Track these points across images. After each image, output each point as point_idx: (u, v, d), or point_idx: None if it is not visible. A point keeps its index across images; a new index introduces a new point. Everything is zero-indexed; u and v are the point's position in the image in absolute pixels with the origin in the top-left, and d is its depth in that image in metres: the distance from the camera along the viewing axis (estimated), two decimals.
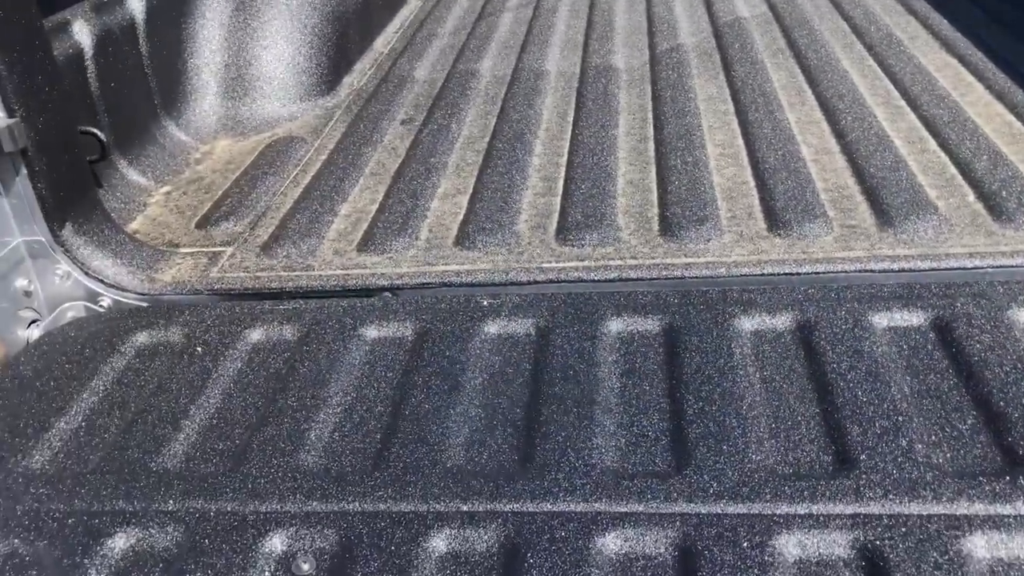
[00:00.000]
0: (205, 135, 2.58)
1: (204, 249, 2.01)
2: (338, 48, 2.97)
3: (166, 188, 2.32)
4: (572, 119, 2.48)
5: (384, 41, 3.36)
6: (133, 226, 2.14)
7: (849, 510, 1.17)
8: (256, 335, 1.68)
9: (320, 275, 1.85)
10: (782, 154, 2.11)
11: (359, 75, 3.03)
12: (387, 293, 1.79)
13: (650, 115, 2.45)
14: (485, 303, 1.66)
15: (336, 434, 1.42)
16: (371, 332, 1.65)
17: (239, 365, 1.61)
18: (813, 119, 2.32)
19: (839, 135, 2.20)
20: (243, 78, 2.70)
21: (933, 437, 1.29)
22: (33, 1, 1.75)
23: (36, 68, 1.74)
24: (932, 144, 2.11)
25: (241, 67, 2.71)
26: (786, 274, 1.70)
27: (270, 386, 1.54)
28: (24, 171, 1.74)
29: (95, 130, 2.07)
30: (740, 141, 2.24)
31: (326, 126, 2.61)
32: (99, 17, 2.26)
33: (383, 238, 1.95)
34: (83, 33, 2.18)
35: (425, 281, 1.79)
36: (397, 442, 1.37)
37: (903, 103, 2.35)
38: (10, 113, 1.69)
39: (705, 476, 1.25)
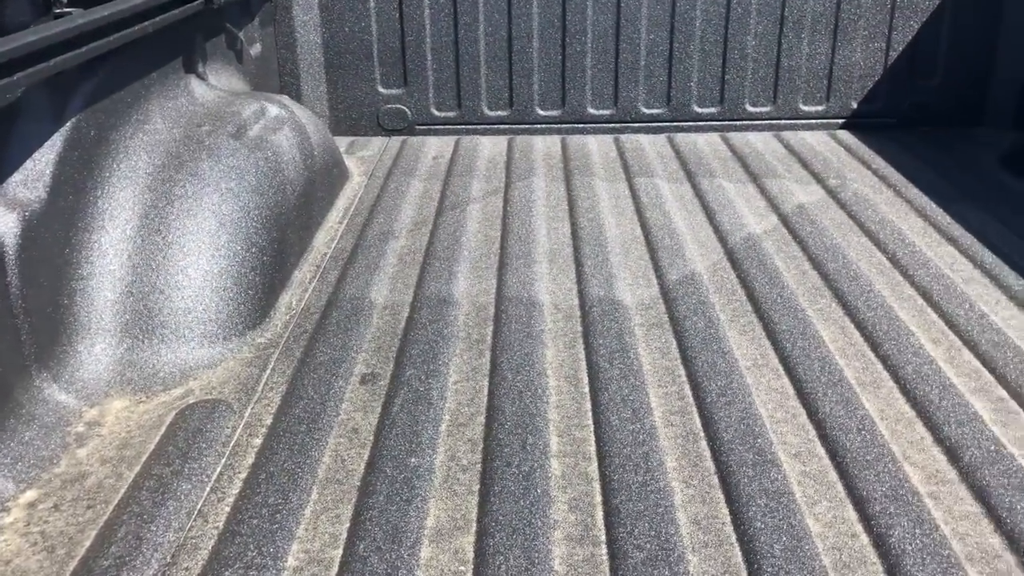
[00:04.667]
0: (94, 393, 1.92)
1: None
2: (275, 260, 2.36)
3: (31, 494, 1.63)
4: (588, 388, 1.93)
5: (326, 237, 2.78)
6: None
7: None
8: None
9: None
10: (889, 485, 1.59)
11: (299, 290, 2.42)
12: None
13: (688, 389, 1.92)
14: None
15: None
16: None
17: None
18: (902, 414, 1.83)
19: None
20: (148, 310, 2.06)
21: None
22: None
23: None
24: None
25: (147, 295, 2.07)
26: None
27: None
28: None
29: None
30: (821, 449, 1.72)
31: (259, 381, 1.98)
32: None
33: None
34: None
35: None
36: None
37: None
38: None
39: None
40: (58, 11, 1.95)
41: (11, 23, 1.85)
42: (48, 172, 1.92)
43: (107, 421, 1.85)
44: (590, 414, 1.84)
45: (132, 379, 1.97)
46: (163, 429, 1.81)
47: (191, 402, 1.91)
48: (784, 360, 2.02)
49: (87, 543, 1.51)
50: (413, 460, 1.69)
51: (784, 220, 2.82)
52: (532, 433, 1.76)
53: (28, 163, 1.89)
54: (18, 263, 1.79)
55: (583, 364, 2.02)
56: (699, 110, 3.81)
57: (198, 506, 1.59)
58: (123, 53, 2.22)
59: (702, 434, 1.76)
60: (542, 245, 2.67)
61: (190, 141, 2.37)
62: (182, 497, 1.61)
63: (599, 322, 2.19)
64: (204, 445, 1.75)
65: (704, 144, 3.65)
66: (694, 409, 1.85)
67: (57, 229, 1.93)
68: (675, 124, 3.82)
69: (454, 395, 1.91)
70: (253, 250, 2.26)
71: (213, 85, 2.84)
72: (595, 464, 1.68)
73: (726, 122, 3.82)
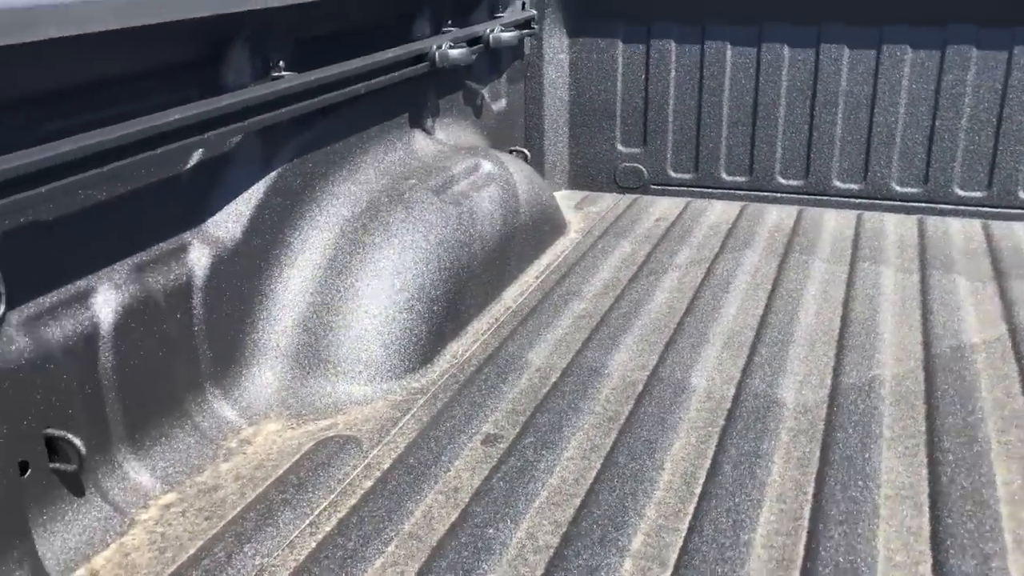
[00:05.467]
0: (255, 414, 2.15)
1: None
2: (448, 311, 2.49)
3: (170, 497, 1.87)
4: (700, 489, 1.83)
5: (517, 291, 2.87)
6: (97, 563, 1.69)
7: None
8: None
9: None
10: None
11: (469, 340, 2.53)
12: None
13: (807, 510, 1.76)
14: None
15: None
16: None
17: None
18: None
19: None
20: (318, 345, 2.27)
21: None
22: None
23: None
24: None
25: (319, 330, 2.28)
26: None
27: None
28: None
29: (68, 435, 1.66)
30: None
31: (396, 425, 2.11)
32: (139, 280, 1.89)
33: None
34: (105, 307, 1.81)
35: None
36: None
37: None
38: None
39: None
40: (275, 74, 2.22)
41: (234, 84, 2.14)
42: (247, 214, 2.19)
43: (256, 441, 2.07)
44: (688, 518, 1.75)
45: (290, 405, 2.18)
46: (296, 457, 1.99)
47: (330, 435, 2.07)
48: (935, 495, 1.78)
49: (191, 551, 1.70)
50: (491, 531, 1.71)
51: (1013, 331, 2.47)
52: (618, 528, 1.71)
53: (230, 205, 2.16)
54: (205, 291, 2.06)
55: (707, 462, 1.93)
56: (961, 193, 3.45)
57: (291, 537, 1.74)
58: (340, 109, 2.47)
59: (799, 564, 1.61)
60: (722, 325, 2.56)
61: (391, 193, 2.57)
62: (281, 525, 1.76)
63: (745, 419, 2.07)
64: (321, 479, 1.90)
65: (958, 231, 3.29)
66: (804, 533, 1.69)
67: (248, 265, 2.19)
68: (931, 206, 3.49)
69: (561, 471, 1.91)
70: (425, 300, 2.41)
71: (439, 139, 3.06)
72: (668, 574, 1.60)
73: (992, 209, 3.41)
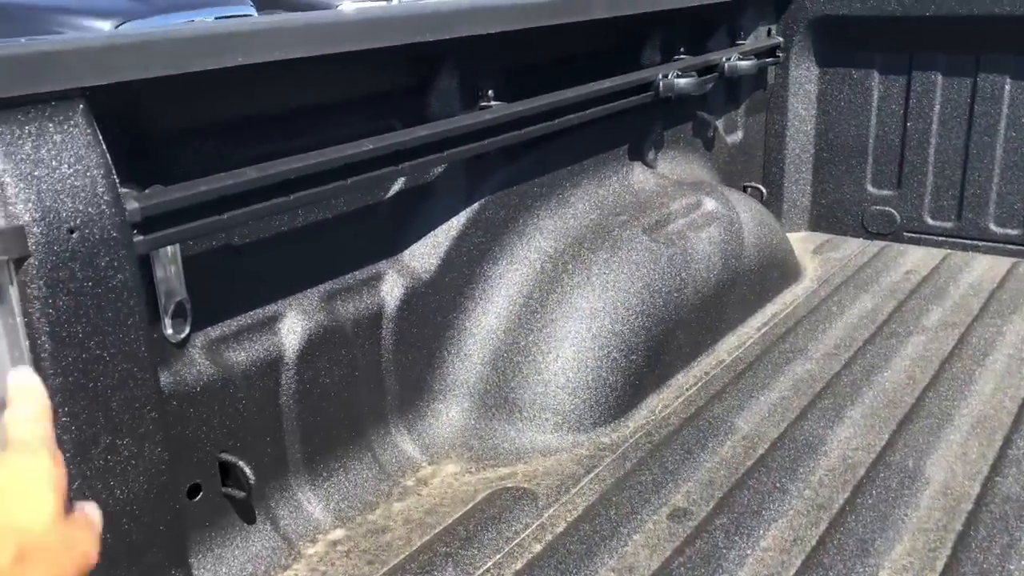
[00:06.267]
0: (436, 453, 2.07)
1: None
2: (650, 361, 2.30)
3: (338, 533, 1.83)
4: None
5: (735, 343, 2.62)
6: None
7: None
8: None
9: None
10: None
11: (671, 394, 2.32)
12: None
13: None
14: None
15: None
16: None
17: None
18: None
19: None
20: (506, 387, 2.16)
21: None
22: None
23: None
24: None
25: (508, 372, 2.17)
26: None
27: None
28: None
29: (240, 462, 1.65)
30: None
31: (578, 483, 1.95)
32: (329, 308, 1.87)
33: None
34: (291, 334, 1.80)
35: None
36: None
37: None
38: None
39: None
40: (483, 104, 2.15)
41: (440, 114, 2.09)
42: (446, 246, 2.12)
43: (433, 482, 1.99)
44: None
45: (472, 447, 2.09)
46: (468, 506, 1.88)
47: (508, 485, 1.95)
48: None
49: None
50: None
51: None
52: None
53: (429, 236, 2.11)
54: (396, 322, 2.01)
55: None
56: None
57: None
58: (552, 140, 2.36)
59: None
60: (972, 406, 2.18)
61: (598, 230, 2.43)
62: None
63: (989, 526, 1.72)
64: (489, 535, 1.78)
65: None
66: None
67: (442, 298, 2.13)
68: None
69: (754, 564, 1.66)
70: (623, 347, 2.23)
71: (661, 173, 2.87)
72: None
73: None
